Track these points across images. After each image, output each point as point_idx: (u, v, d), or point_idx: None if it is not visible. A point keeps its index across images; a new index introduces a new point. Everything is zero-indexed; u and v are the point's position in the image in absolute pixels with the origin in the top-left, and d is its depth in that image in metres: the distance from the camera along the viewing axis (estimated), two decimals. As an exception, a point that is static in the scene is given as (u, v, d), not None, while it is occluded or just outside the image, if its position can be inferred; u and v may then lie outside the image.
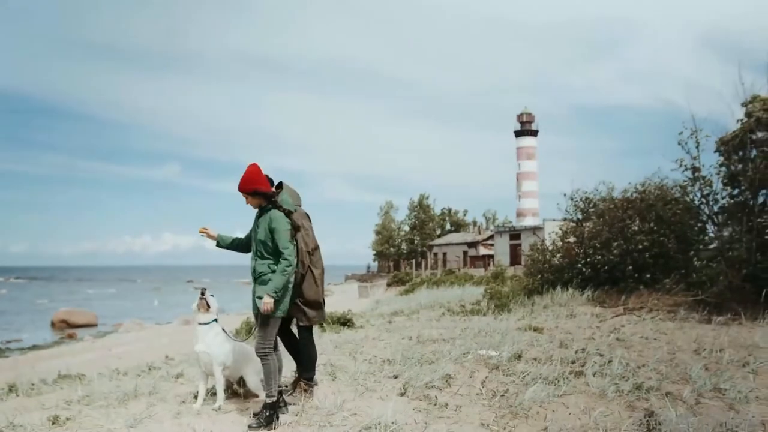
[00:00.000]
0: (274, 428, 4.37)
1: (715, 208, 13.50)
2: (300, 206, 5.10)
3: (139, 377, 6.20)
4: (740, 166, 12.95)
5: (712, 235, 13.53)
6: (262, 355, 4.59)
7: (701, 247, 13.98)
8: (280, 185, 4.94)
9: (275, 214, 4.64)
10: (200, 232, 5.03)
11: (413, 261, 64.79)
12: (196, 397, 5.07)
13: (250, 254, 4.89)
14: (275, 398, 4.58)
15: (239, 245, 5.03)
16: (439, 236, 75.27)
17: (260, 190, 4.64)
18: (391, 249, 78.26)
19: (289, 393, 5.10)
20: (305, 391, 5.09)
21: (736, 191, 13.21)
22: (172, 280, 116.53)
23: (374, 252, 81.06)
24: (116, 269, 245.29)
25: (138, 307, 51.13)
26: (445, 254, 66.12)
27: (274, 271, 4.58)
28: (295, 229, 4.72)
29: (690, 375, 6.09)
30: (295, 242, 4.70)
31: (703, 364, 6.77)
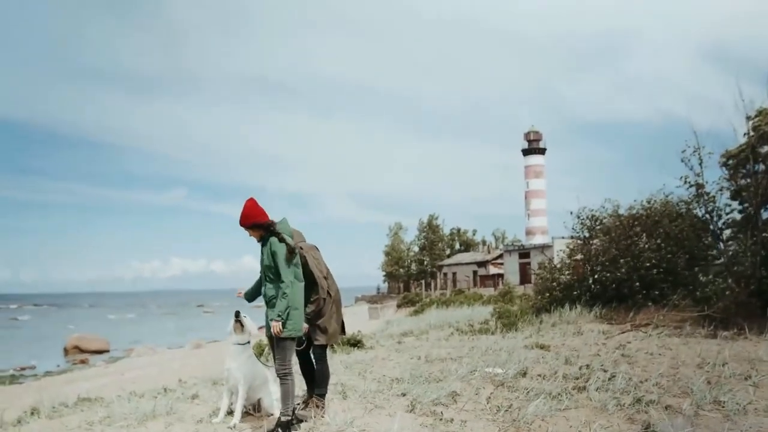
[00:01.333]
0: None
1: (719, 224, 13.67)
2: (304, 241, 5.45)
3: (155, 398, 6.42)
4: (747, 180, 13.12)
5: (718, 250, 13.65)
6: (282, 375, 4.85)
7: (708, 262, 14.10)
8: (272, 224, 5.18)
9: (273, 239, 4.97)
10: (237, 296, 5.40)
11: (423, 281, 64.80)
12: (216, 413, 5.37)
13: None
14: (290, 417, 4.82)
15: (260, 285, 5.30)
16: (448, 256, 75.31)
17: (258, 222, 4.99)
18: (401, 270, 78.32)
19: (302, 408, 5.33)
20: (317, 407, 5.32)
21: (741, 206, 13.38)
22: (183, 304, 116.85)
23: (384, 273, 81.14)
24: (125, 295, 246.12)
25: (150, 332, 51.42)
26: (455, 274, 66.14)
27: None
28: (290, 252, 4.99)
29: (691, 388, 6.24)
30: (294, 266, 4.99)
31: (705, 377, 6.90)
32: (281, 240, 4.97)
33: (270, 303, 4.96)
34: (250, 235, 5.09)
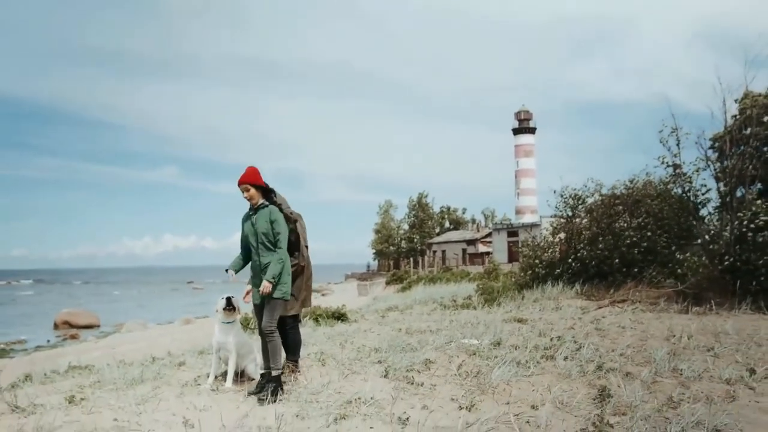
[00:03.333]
0: (280, 399, 4.91)
1: (697, 203, 14.01)
2: (289, 208, 5.69)
3: (143, 366, 6.71)
4: (731, 162, 13.44)
5: (696, 229, 13.98)
6: (269, 333, 5.18)
7: (687, 241, 14.46)
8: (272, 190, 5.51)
9: (274, 208, 5.26)
10: (232, 281, 5.59)
11: (412, 259, 65.26)
12: (205, 377, 5.75)
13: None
14: (281, 371, 5.18)
15: (246, 258, 5.53)
16: (438, 234, 75.74)
17: (259, 183, 5.27)
18: (391, 248, 78.74)
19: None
20: (292, 371, 5.63)
21: (718, 186, 13.72)
22: (173, 281, 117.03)
23: (374, 251, 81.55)
24: (116, 271, 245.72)
25: (139, 308, 51.68)
26: (444, 252, 66.62)
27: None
28: (292, 222, 5.34)
29: (654, 358, 6.59)
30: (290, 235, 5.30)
31: (671, 349, 7.26)
32: (281, 210, 5.26)
33: (264, 269, 5.19)
34: (246, 196, 5.28)
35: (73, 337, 32.83)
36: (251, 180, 5.25)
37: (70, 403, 4.79)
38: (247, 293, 5.61)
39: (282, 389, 5.07)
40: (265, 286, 5.06)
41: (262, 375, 5.35)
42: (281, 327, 5.62)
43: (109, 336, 31.31)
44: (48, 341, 31.06)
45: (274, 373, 5.15)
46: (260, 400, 4.87)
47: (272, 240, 5.19)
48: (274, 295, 5.14)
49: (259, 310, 5.34)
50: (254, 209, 5.31)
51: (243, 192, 5.27)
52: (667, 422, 4.30)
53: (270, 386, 5.03)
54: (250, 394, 5.10)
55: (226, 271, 5.59)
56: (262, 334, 5.29)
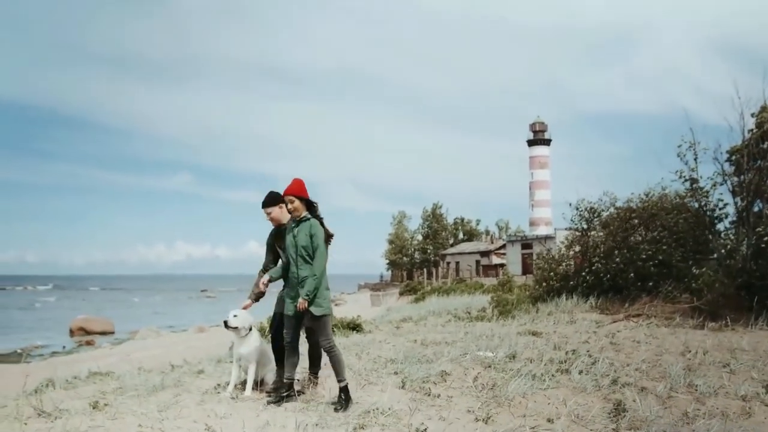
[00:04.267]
0: (350, 407, 5.05)
1: (713, 218, 13.98)
2: None
3: (164, 373, 6.82)
4: (748, 176, 13.42)
5: (713, 244, 13.94)
6: (329, 349, 5.28)
7: (703, 256, 14.41)
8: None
9: (315, 222, 5.32)
10: (264, 286, 5.70)
11: (426, 270, 65.26)
12: (225, 386, 5.80)
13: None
14: (346, 382, 5.26)
15: (286, 268, 5.55)
16: (452, 245, 75.68)
17: (304, 197, 5.32)
18: (404, 258, 78.74)
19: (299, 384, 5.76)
20: (314, 384, 5.76)
21: (735, 201, 13.70)
22: (187, 289, 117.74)
23: (387, 261, 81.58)
24: (130, 279, 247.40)
25: (154, 315, 52.05)
26: (457, 263, 66.54)
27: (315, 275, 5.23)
28: (328, 237, 5.41)
29: (669, 373, 6.61)
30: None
31: (686, 364, 7.28)
32: (322, 224, 5.33)
33: (302, 283, 5.23)
34: (289, 208, 5.32)
35: (88, 343, 33.15)
36: (296, 192, 5.28)
37: (94, 408, 4.90)
38: (245, 307, 5.76)
39: (350, 398, 5.20)
40: (300, 303, 5.14)
41: (284, 384, 5.41)
42: (310, 339, 5.74)
43: (124, 343, 31.57)
44: (64, 347, 31.38)
45: (341, 384, 5.23)
46: (336, 410, 5.00)
47: (311, 254, 5.24)
48: (315, 313, 5.21)
49: (292, 321, 5.36)
50: (297, 221, 5.35)
51: (288, 203, 5.31)
52: (682, 437, 4.34)
53: (341, 396, 5.16)
54: (269, 402, 5.18)
55: (262, 273, 5.73)
56: (289, 345, 5.37)
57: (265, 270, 5.88)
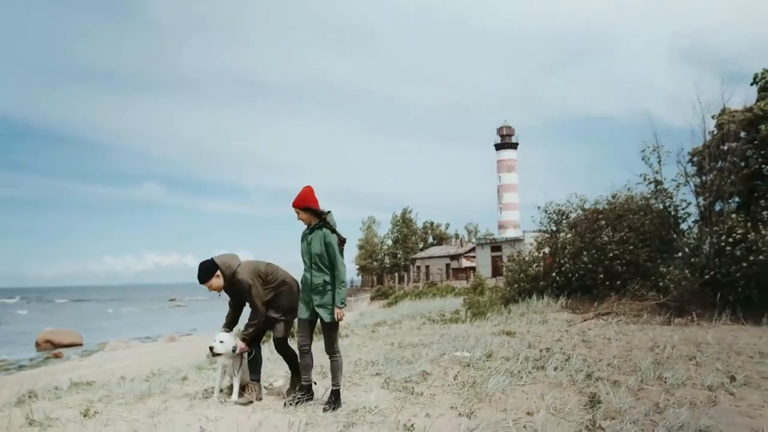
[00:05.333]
0: (338, 410, 5.18)
1: (678, 218, 14.45)
2: (239, 264, 5.82)
3: (148, 381, 6.88)
4: (709, 177, 13.91)
5: (677, 243, 14.38)
6: (334, 352, 5.41)
7: (669, 254, 14.86)
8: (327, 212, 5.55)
9: (327, 231, 5.35)
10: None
11: (396, 275, 65.43)
12: (211, 391, 5.89)
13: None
14: (340, 387, 5.41)
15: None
16: (421, 249, 76.03)
17: (312, 207, 5.36)
18: (374, 263, 78.80)
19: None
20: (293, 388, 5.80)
21: (698, 201, 14.19)
22: (155, 299, 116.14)
23: (357, 266, 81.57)
24: (98, 289, 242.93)
25: (122, 326, 51.26)
26: (428, 267, 66.89)
27: (328, 283, 5.31)
28: (342, 243, 5.44)
29: (639, 367, 6.89)
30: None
31: (655, 358, 7.58)
32: (333, 232, 5.36)
33: (316, 290, 5.31)
34: (299, 218, 5.40)
35: (56, 356, 32.56)
36: (299, 204, 5.35)
37: (84, 416, 4.97)
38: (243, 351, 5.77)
39: (341, 401, 5.34)
40: (338, 312, 5.25)
41: (301, 386, 5.50)
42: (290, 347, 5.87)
43: (93, 354, 31.09)
44: (31, 360, 30.80)
45: (333, 388, 5.38)
46: (324, 410, 5.15)
47: (326, 263, 5.31)
48: (327, 320, 5.33)
49: (306, 325, 5.45)
50: (310, 229, 5.42)
51: (296, 215, 5.38)
52: (654, 425, 4.59)
53: (332, 398, 5.32)
54: (286, 404, 5.27)
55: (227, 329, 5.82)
56: (301, 352, 5.47)
57: (228, 325, 5.91)
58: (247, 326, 5.74)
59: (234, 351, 5.69)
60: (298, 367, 5.86)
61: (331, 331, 5.39)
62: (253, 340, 5.79)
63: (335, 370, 5.42)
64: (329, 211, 5.43)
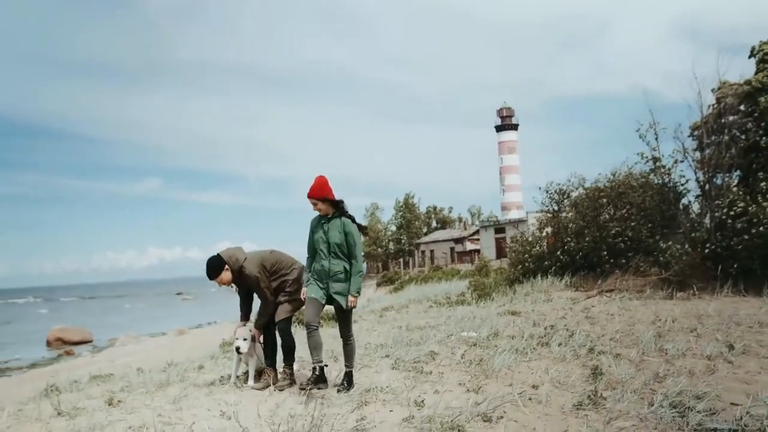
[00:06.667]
0: (351, 390, 5.38)
1: (677, 193, 14.61)
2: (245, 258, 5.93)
3: (165, 371, 7.13)
4: (707, 151, 14.05)
5: (678, 218, 14.54)
6: (349, 337, 5.58)
7: (670, 230, 15.03)
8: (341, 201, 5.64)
9: (347, 220, 5.49)
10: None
11: (401, 260, 65.71)
12: (228, 377, 6.16)
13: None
14: (352, 369, 5.63)
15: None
16: (425, 234, 76.30)
17: (329, 197, 5.44)
18: (379, 249, 79.11)
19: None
20: (290, 376, 5.91)
21: (696, 175, 14.33)
22: (162, 293, 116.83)
23: (362, 253, 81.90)
24: (104, 286, 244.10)
25: (131, 321, 51.68)
26: (432, 251, 67.18)
27: (348, 270, 5.45)
28: (363, 233, 5.61)
29: (641, 340, 7.10)
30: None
31: (656, 331, 7.79)
32: (353, 221, 5.50)
33: (335, 277, 5.39)
34: (315, 209, 5.45)
35: (68, 353, 32.97)
36: (316, 195, 5.40)
37: (110, 405, 5.21)
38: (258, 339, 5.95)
39: (353, 385, 5.52)
40: (351, 300, 5.39)
41: (314, 369, 5.49)
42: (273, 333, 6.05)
43: (104, 350, 31.47)
44: (43, 358, 31.19)
45: (346, 369, 5.60)
46: (338, 391, 5.35)
47: (345, 251, 5.42)
48: (348, 306, 5.46)
49: (316, 305, 5.46)
50: (327, 218, 5.48)
51: (312, 205, 5.44)
52: (653, 393, 4.80)
53: (345, 379, 5.53)
54: (301, 388, 5.38)
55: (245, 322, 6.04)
56: (310, 330, 5.44)
57: (245, 317, 6.12)
58: (258, 315, 5.95)
59: (253, 340, 5.93)
60: (292, 357, 5.97)
61: (347, 316, 5.54)
62: (264, 327, 6.00)
63: (350, 352, 5.59)
64: (342, 200, 5.48)
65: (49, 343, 37.30)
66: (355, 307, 5.45)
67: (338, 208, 5.48)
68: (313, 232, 5.55)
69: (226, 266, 5.77)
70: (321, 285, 5.45)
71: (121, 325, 47.57)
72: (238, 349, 5.89)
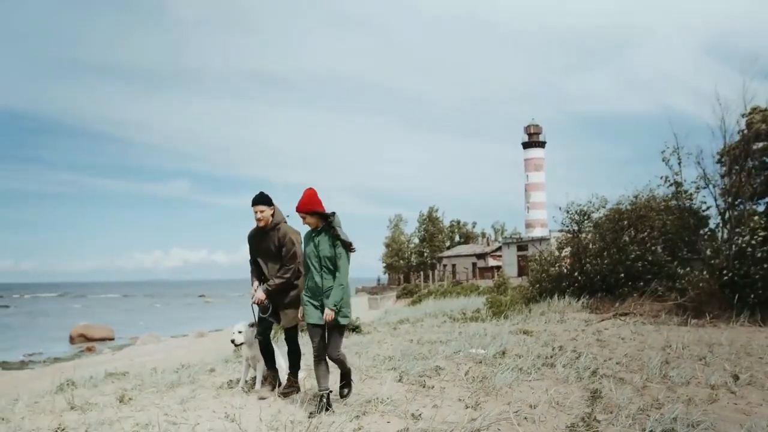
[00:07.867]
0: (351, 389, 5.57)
1: (697, 219, 14.53)
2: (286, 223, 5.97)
3: (177, 372, 7.34)
4: (729, 179, 13.95)
5: (698, 244, 14.44)
6: (338, 357, 5.42)
7: (689, 255, 14.95)
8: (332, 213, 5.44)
9: (335, 236, 5.28)
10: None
11: (422, 273, 65.69)
12: (237, 381, 6.31)
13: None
14: (350, 370, 5.72)
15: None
16: (448, 248, 76.18)
17: (317, 210, 5.22)
18: (401, 261, 79.17)
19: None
20: (294, 384, 6.00)
21: (716, 202, 14.25)
22: (185, 295, 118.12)
23: (384, 264, 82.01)
24: (127, 285, 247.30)
25: (153, 321, 52.42)
26: (454, 266, 67.04)
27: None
28: (349, 248, 5.32)
29: (647, 365, 7.14)
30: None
31: (664, 358, 7.80)
32: (338, 237, 5.20)
33: (327, 293, 5.18)
34: (305, 222, 5.29)
35: (89, 349, 33.59)
36: (306, 209, 5.23)
37: (120, 402, 5.42)
38: (258, 302, 5.85)
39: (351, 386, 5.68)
40: (328, 314, 5.11)
41: (320, 397, 5.26)
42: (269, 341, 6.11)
43: (125, 348, 32.01)
44: (65, 353, 31.81)
45: (344, 372, 5.64)
46: (342, 396, 5.48)
47: (335, 264, 5.21)
48: (341, 322, 5.25)
49: (318, 331, 5.29)
50: (317, 231, 5.31)
51: (301, 219, 5.30)
52: (647, 419, 4.86)
53: (343, 381, 5.64)
54: (311, 415, 5.11)
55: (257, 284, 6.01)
56: (318, 356, 5.34)
57: (259, 279, 5.96)
58: (276, 277, 5.75)
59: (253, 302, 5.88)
60: (298, 365, 6.01)
61: (338, 335, 5.33)
62: (261, 334, 5.97)
63: (341, 362, 5.46)
64: (334, 213, 5.28)
65: (72, 339, 38.04)
66: (336, 322, 5.19)
67: (327, 222, 5.24)
68: (305, 246, 5.41)
69: (273, 210, 5.82)
70: (315, 304, 5.27)
71: (143, 324, 48.32)
72: (233, 341, 6.01)
